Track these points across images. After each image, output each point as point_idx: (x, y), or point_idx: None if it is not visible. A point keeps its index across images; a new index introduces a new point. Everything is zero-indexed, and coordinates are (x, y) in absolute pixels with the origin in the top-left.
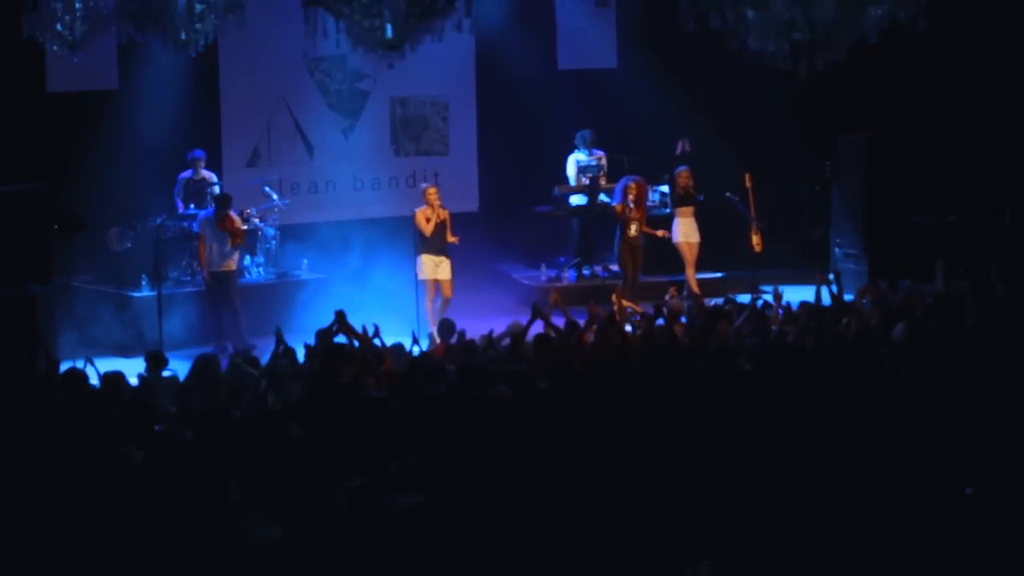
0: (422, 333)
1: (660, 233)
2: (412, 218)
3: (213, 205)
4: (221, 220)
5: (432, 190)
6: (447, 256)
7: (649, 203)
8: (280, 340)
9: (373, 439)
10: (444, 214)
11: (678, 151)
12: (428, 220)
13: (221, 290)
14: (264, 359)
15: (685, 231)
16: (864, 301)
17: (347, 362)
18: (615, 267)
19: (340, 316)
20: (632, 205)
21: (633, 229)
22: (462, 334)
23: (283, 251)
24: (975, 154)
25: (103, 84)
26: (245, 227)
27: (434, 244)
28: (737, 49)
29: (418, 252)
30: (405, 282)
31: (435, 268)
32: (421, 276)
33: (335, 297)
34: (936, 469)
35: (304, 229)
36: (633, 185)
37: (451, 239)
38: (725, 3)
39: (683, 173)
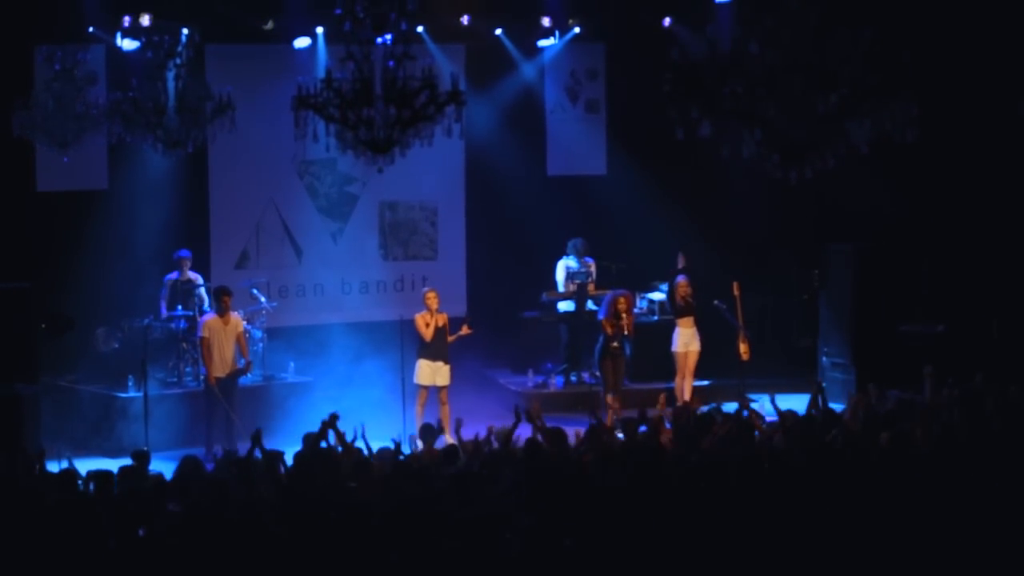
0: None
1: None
2: (411, 322)
3: (213, 306)
4: (224, 315)
5: (432, 294)
6: (446, 361)
7: (636, 310)
8: (256, 443)
9: (358, 542)
10: (442, 319)
11: (680, 264)
12: (427, 325)
13: (228, 393)
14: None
15: (685, 340)
16: (848, 408)
17: (334, 466)
18: None
19: (334, 418)
20: (624, 321)
21: (615, 342)
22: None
23: (270, 354)
24: (963, 265)
25: (93, 184)
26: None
27: (432, 349)
28: (726, 157)
29: (417, 356)
30: (392, 386)
31: (432, 374)
32: (417, 380)
33: (321, 400)
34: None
35: (291, 332)
36: (622, 300)
37: (464, 330)
38: (714, 112)
39: (682, 283)
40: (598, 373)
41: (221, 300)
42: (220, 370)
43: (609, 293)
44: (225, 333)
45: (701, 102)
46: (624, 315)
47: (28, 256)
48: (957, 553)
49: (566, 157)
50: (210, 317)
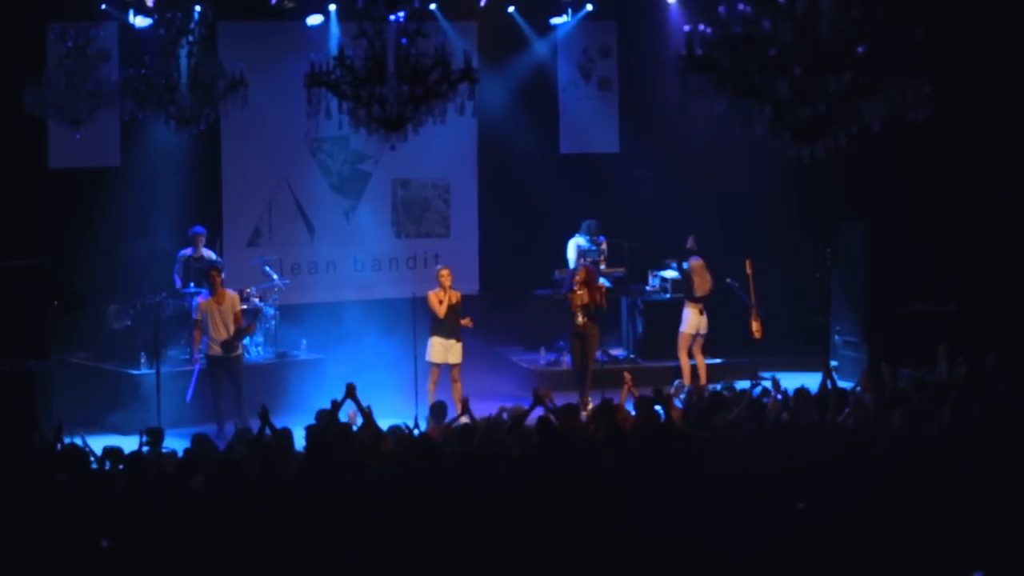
0: (422, 415)
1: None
2: (424, 300)
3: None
4: (217, 294)
5: (445, 272)
6: (458, 339)
7: (648, 288)
8: (265, 419)
9: (371, 519)
10: (455, 296)
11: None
12: (441, 302)
13: (230, 371)
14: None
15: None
16: (858, 388)
17: (346, 443)
18: (615, 351)
19: (351, 389)
20: (575, 289)
21: (579, 317)
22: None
23: (282, 331)
24: (975, 243)
25: (105, 161)
26: (244, 306)
27: (445, 327)
28: (738, 135)
29: (429, 334)
30: (404, 363)
31: (445, 352)
32: (429, 358)
33: (333, 377)
34: (936, 556)
35: (304, 309)
36: (581, 272)
37: (464, 322)
38: (727, 88)
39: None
40: (614, 351)
41: (212, 278)
42: (219, 350)
43: (570, 268)
44: (220, 312)
45: (713, 80)
46: (580, 287)
47: (40, 233)
48: (968, 530)
49: (578, 135)
50: (203, 298)
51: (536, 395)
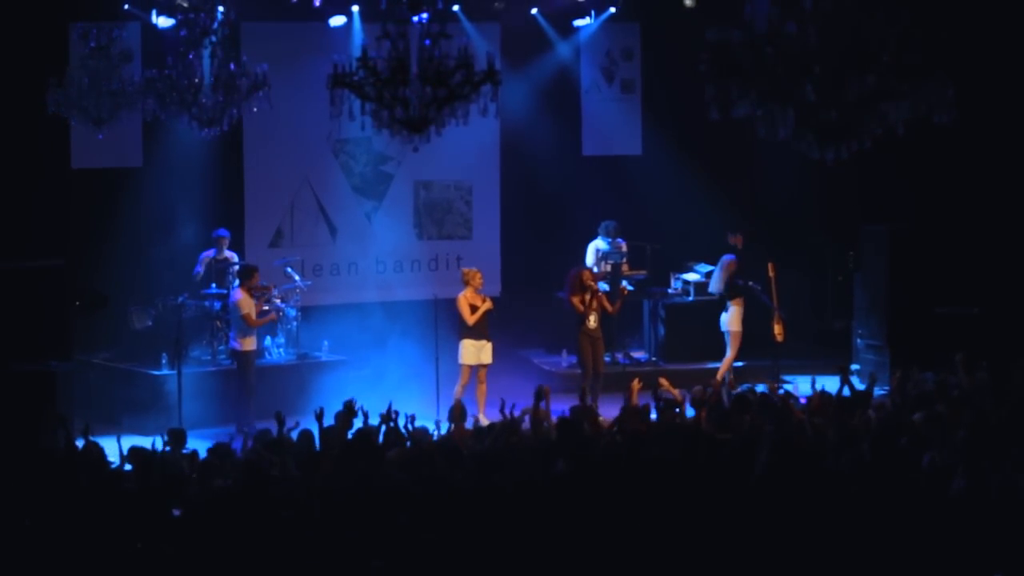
0: (444, 416)
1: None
2: (445, 301)
3: (241, 283)
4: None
5: (479, 274)
6: (488, 339)
7: (670, 290)
8: (281, 423)
9: (392, 521)
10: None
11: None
12: (475, 310)
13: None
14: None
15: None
16: (880, 390)
17: (371, 445)
18: (637, 355)
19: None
20: (594, 296)
21: (592, 320)
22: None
23: (304, 332)
24: (999, 246)
25: (127, 161)
26: (267, 307)
27: (476, 328)
28: (762, 138)
29: (460, 337)
30: (426, 365)
31: (478, 353)
32: (462, 361)
33: (355, 379)
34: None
35: (325, 310)
36: (587, 273)
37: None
38: (751, 92)
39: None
40: (636, 354)
41: (254, 277)
42: (253, 344)
43: (570, 272)
44: (254, 308)
45: (737, 82)
46: (595, 289)
47: (63, 233)
48: (988, 532)
49: (601, 137)
50: (246, 296)
51: (538, 391)
